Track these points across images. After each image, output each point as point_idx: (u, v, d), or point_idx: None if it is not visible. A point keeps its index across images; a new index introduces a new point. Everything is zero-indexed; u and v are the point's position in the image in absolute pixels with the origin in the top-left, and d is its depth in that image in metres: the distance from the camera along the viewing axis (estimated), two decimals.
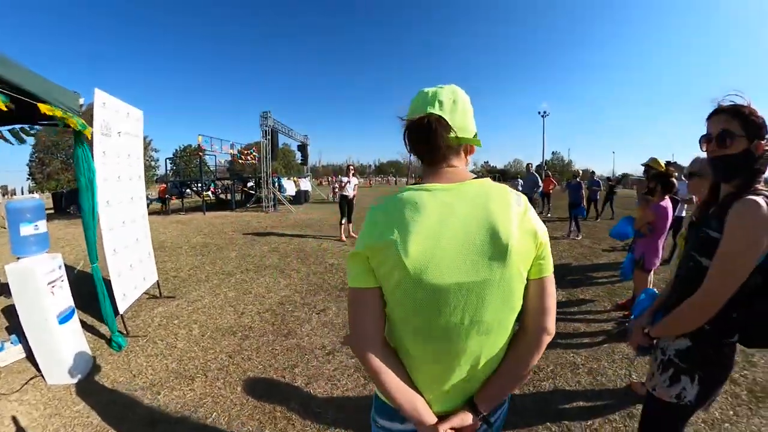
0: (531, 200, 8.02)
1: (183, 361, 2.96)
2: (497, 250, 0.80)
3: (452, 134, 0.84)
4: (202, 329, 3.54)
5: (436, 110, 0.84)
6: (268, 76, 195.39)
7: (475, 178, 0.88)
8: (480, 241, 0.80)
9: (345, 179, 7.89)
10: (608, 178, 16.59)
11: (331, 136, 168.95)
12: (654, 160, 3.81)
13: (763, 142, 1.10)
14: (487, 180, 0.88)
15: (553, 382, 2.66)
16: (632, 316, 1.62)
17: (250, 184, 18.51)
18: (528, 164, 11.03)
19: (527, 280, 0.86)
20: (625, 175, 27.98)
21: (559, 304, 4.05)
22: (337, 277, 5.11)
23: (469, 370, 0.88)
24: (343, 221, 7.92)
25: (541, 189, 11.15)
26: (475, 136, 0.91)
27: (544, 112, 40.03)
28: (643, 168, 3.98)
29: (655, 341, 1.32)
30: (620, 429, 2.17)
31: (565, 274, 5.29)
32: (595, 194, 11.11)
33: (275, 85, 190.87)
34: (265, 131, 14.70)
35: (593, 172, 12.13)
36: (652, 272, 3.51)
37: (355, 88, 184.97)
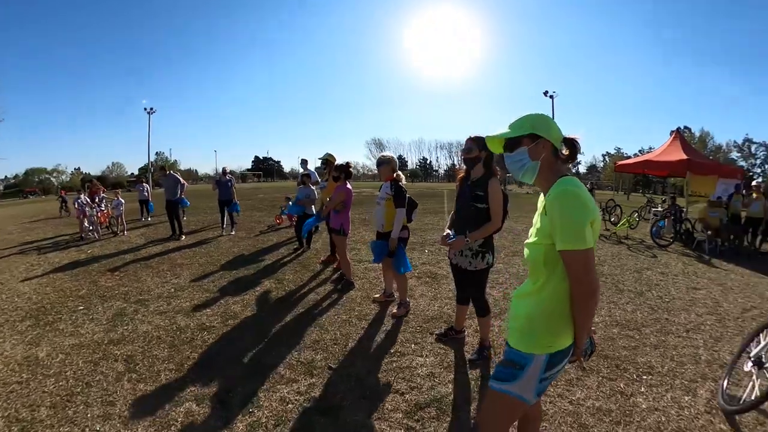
0: (175, 205, 7.98)
1: None
2: None
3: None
4: None
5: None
6: None
7: None
8: None
9: None
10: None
11: None
12: (330, 155, 5.69)
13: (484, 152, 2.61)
14: None
15: (348, 332, 3.16)
16: (373, 260, 3.90)
17: None
18: (162, 166, 10.09)
19: None
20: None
21: (293, 291, 4.50)
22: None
23: None
24: None
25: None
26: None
27: (151, 109, 38.61)
28: (321, 161, 5.89)
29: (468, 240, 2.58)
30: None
31: (257, 265, 5.66)
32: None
33: None
34: None
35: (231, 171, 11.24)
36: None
37: None
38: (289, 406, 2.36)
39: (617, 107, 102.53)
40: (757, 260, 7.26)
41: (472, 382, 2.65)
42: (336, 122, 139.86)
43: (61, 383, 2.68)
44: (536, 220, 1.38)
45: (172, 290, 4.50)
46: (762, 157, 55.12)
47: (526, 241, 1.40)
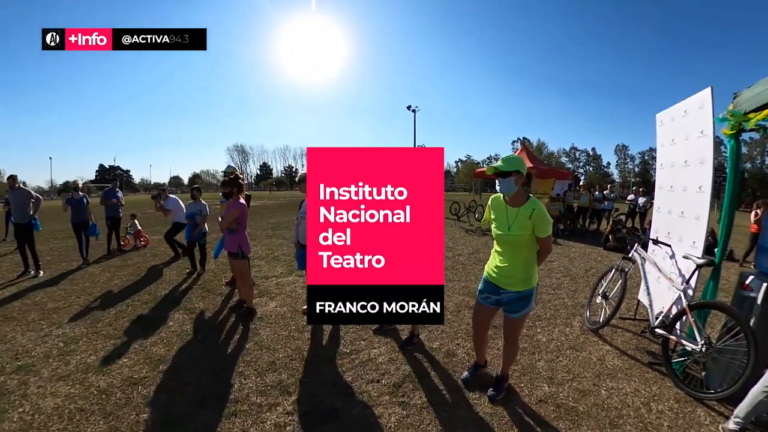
0: (28, 229, 5.93)
1: None
2: None
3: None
4: None
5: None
6: None
7: None
8: None
9: None
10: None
11: None
12: (232, 167, 5.17)
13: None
14: None
15: (297, 345, 3.20)
16: (298, 266, 4.07)
17: None
18: (12, 175, 6.97)
19: None
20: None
21: (213, 320, 4.17)
22: None
23: None
24: None
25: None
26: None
27: None
28: (223, 174, 5.63)
29: None
30: None
31: (153, 297, 4.82)
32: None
33: None
34: None
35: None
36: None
37: None
38: (288, 428, 2.29)
39: (468, 120, 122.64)
40: (587, 237, 10.18)
41: (420, 357, 3.17)
42: (193, 127, 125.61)
43: None
44: (513, 222, 2.29)
45: (62, 345, 3.46)
46: (584, 160, 74.42)
47: (506, 233, 2.32)
